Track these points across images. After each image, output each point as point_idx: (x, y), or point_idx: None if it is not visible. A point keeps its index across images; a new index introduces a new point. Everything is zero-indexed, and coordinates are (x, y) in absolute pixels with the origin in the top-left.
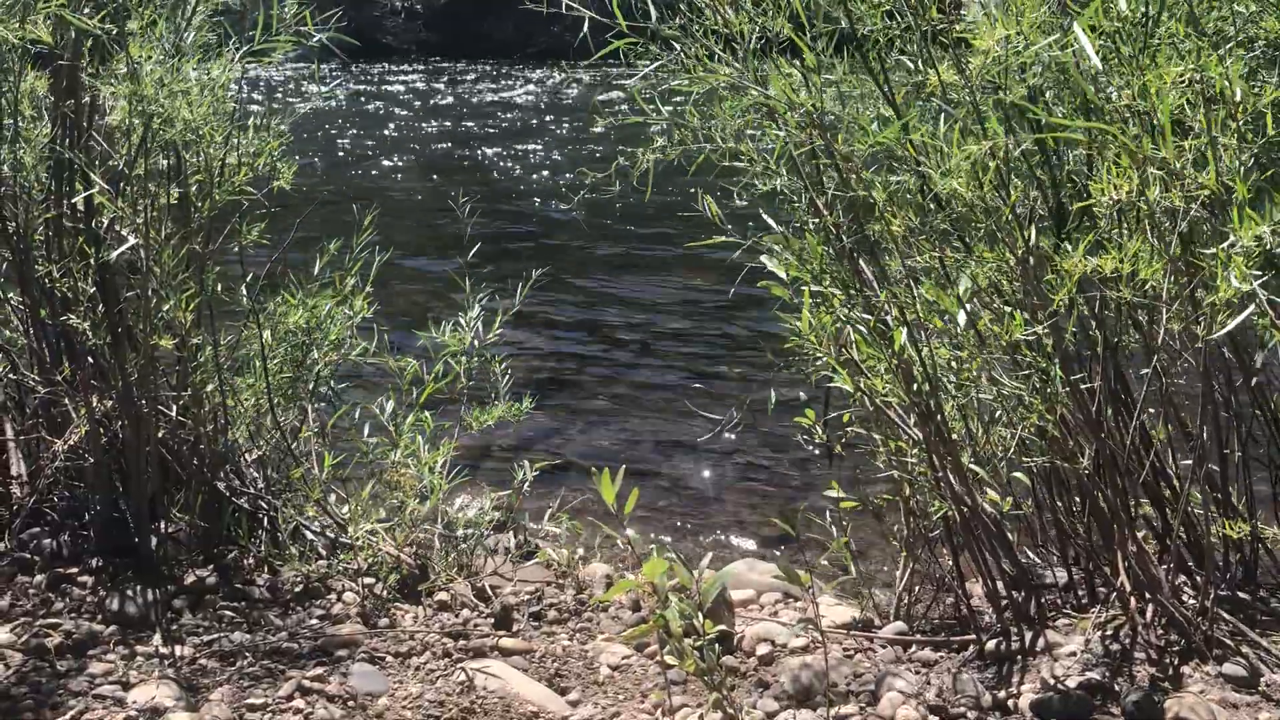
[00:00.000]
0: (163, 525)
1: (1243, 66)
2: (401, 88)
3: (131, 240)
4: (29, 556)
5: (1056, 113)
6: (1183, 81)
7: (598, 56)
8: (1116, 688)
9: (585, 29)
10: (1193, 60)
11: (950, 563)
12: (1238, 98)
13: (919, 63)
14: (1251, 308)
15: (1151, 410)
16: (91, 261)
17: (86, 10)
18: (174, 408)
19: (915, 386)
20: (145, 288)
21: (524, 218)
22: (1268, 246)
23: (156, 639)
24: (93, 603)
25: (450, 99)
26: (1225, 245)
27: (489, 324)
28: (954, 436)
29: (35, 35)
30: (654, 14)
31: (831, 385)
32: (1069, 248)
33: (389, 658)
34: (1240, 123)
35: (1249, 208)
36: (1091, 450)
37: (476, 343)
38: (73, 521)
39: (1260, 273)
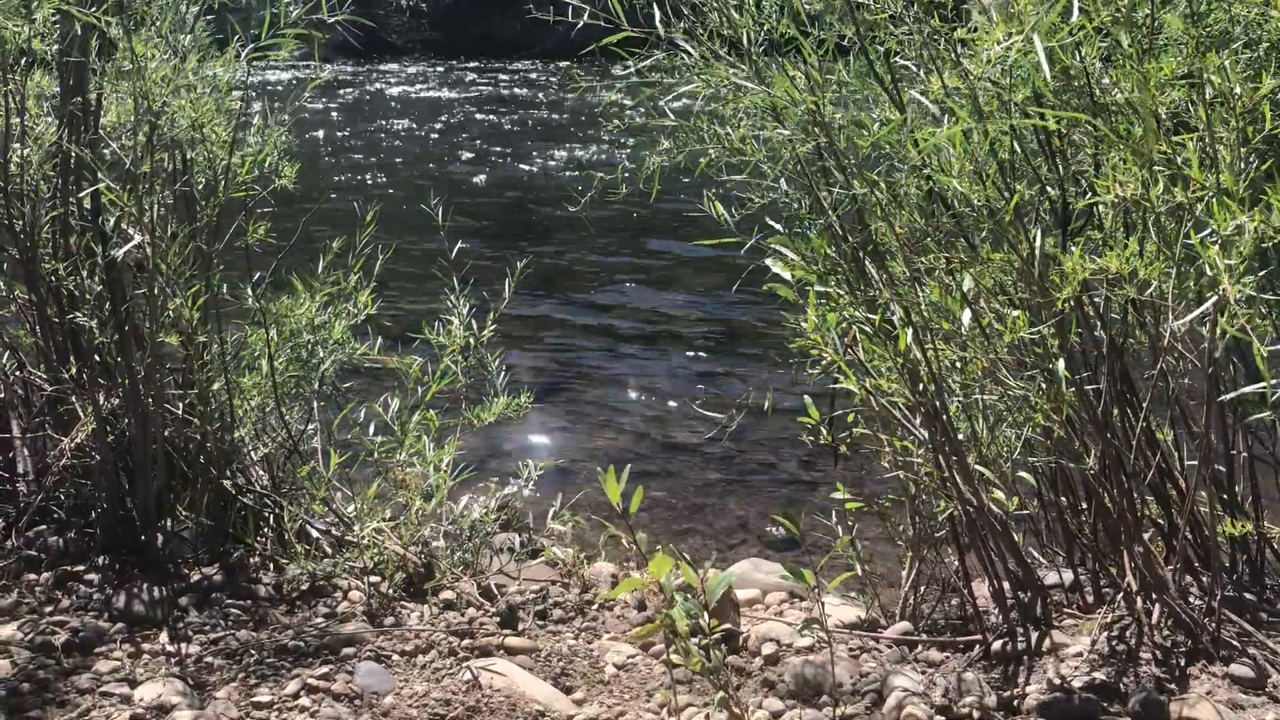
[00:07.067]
0: (169, 523)
1: (1242, 67)
2: (406, 86)
3: (138, 238)
4: (35, 554)
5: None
6: (1181, 78)
7: (600, 47)
8: (1122, 688)
9: (583, 21)
10: (1192, 55)
11: (956, 563)
12: (1237, 92)
13: (921, 70)
14: (1211, 301)
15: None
16: (98, 259)
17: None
18: (180, 406)
19: (921, 386)
20: (152, 286)
21: (529, 217)
22: (1249, 237)
23: (163, 637)
24: (99, 600)
25: (455, 98)
26: (1203, 235)
27: (486, 322)
28: (959, 437)
29: (36, 32)
30: (658, 16)
31: (837, 385)
32: (1073, 247)
33: (395, 656)
34: (1239, 118)
35: (1249, 203)
36: (1097, 450)
37: (473, 341)
38: (79, 519)
39: (1245, 265)
